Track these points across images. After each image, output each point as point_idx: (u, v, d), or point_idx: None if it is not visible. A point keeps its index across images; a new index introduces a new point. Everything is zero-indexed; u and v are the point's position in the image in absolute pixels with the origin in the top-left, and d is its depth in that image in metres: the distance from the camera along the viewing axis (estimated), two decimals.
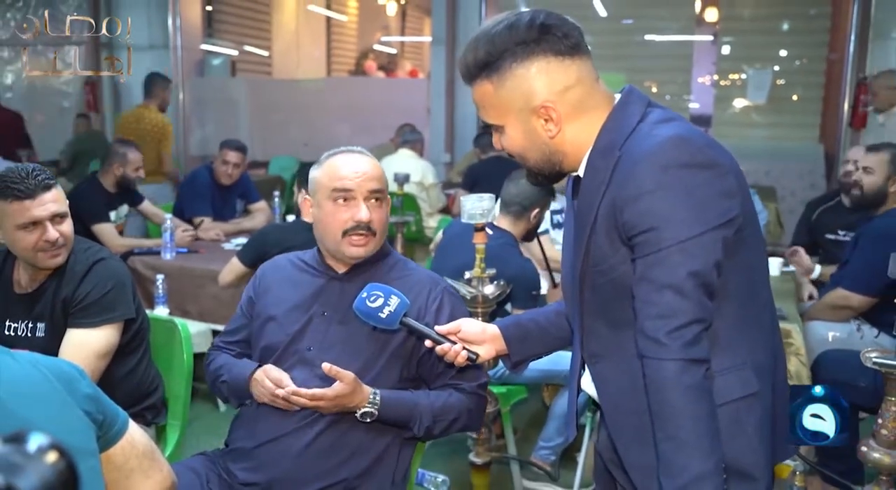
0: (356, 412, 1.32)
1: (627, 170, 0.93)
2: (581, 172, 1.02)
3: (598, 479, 1.22)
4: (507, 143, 1.04)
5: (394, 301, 1.22)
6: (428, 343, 1.22)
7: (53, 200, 1.53)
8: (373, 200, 1.39)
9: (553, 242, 2.88)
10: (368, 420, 1.33)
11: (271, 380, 1.35)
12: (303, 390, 1.31)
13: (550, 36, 0.96)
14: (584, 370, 1.11)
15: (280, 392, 1.32)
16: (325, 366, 1.29)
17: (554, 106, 0.98)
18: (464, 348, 1.20)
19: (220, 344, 1.54)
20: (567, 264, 1.09)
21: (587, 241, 0.98)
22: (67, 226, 1.56)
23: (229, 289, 2.67)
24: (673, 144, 0.91)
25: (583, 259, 0.99)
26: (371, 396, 1.32)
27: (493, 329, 1.22)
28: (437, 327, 1.22)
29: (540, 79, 0.97)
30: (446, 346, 1.20)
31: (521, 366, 1.25)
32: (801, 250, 2.92)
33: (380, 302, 1.22)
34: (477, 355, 1.20)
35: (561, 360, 2.13)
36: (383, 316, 1.22)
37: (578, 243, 1.01)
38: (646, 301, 0.92)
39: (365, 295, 1.24)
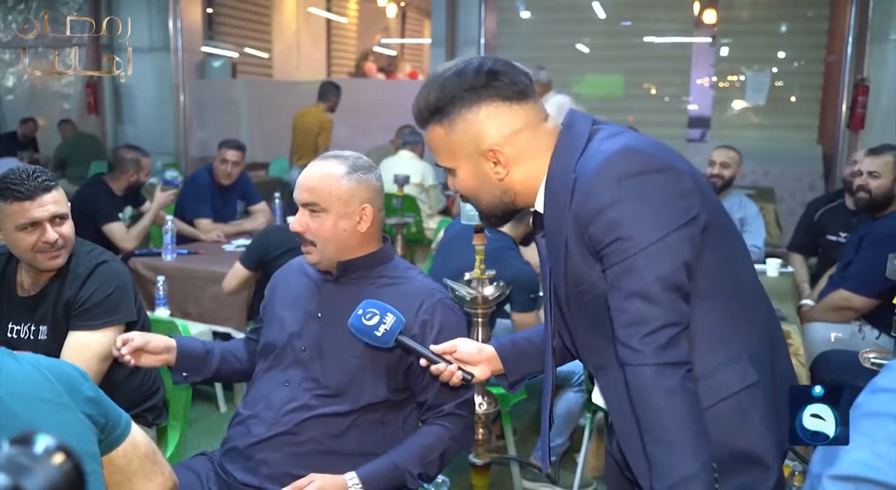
0: None
1: (583, 188, 0.95)
2: (539, 207, 1.05)
3: (612, 482, 1.21)
4: (460, 184, 1.06)
5: (389, 319, 1.21)
6: (423, 362, 1.22)
7: (53, 202, 1.53)
8: (308, 211, 1.37)
9: None
10: None
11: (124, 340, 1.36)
12: None
13: (498, 81, 1.00)
14: (593, 384, 1.13)
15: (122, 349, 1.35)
16: None
17: (502, 149, 1.01)
18: (459, 368, 1.20)
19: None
20: (546, 290, 1.11)
21: (563, 265, 1.00)
22: (67, 227, 1.56)
23: (233, 293, 2.68)
24: (621, 156, 0.94)
25: (564, 282, 1.01)
26: (350, 482, 1.29)
27: (489, 349, 1.23)
28: (432, 347, 1.22)
29: (488, 123, 1.00)
30: (441, 365, 1.20)
31: (517, 385, 1.26)
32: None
33: (375, 319, 1.21)
34: (472, 375, 1.20)
35: None
36: (379, 334, 1.21)
37: (556, 268, 1.03)
38: (617, 309, 0.93)
39: (360, 312, 1.22)
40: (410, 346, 1.22)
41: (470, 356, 1.21)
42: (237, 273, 2.58)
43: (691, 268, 0.93)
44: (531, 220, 1.12)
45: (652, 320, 0.91)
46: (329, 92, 5.13)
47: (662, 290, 0.91)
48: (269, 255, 2.50)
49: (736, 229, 1.04)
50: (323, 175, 1.37)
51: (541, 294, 2.36)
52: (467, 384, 1.22)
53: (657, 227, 0.91)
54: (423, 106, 1.03)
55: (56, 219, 1.53)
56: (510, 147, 1.01)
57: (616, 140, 0.97)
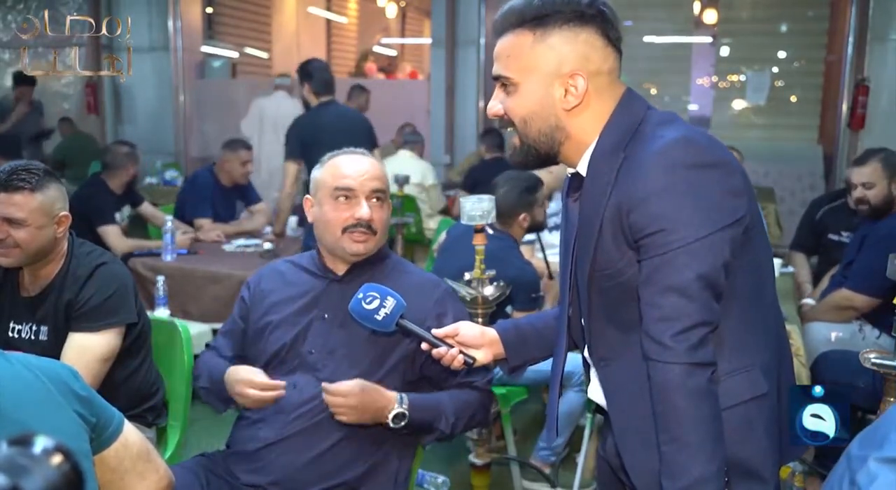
0: (388, 415, 1.31)
1: (633, 172, 0.93)
2: (581, 170, 1.01)
3: (604, 487, 1.20)
4: (514, 103, 1.00)
5: (389, 302, 1.21)
6: (424, 346, 1.21)
7: (13, 204, 1.49)
8: (374, 200, 1.40)
9: (547, 246, 2.88)
10: (402, 422, 1.32)
11: (244, 383, 1.35)
12: (325, 385, 1.31)
13: (606, 19, 0.98)
14: (589, 378, 1.11)
15: (269, 394, 1.33)
16: (326, 386, 1.30)
17: (582, 78, 0.97)
18: (461, 352, 1.19)
19: (211, 344, 1.55)
20: (564, 266, 1.09)
21: (594, 245, 0.97)
22: (23, 234, 1.50)
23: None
24: (679, 145, 0.91)
25: (590, 263, 0.99)
26: (398, 397, 1.32)
27: (491, 333, 1.22)
28: (434, 330, 1.21)
29: (582, 49, 0.97)
30: (443, 349, 1.18)
31: (518, 370, 1.25)
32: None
33: (375, 303, 1.21)
34: (474, 359, 1.20)
35: None
36: (379, 318, 1.20)
37: (584, 247, 1.00)
38: (651, 303, 0.91)
39: (361, 296, 1.22)
40: (412, 329, 1.21)
41: (472, 339, 1.20)
42: (290, 171, 2.96)
43: (729, 268, 0.91)
44: (566, 184, 1.08)
45: (686, 317, 0.89)
46: (355, 94, 5.12)
47: (701, 289, 0.89)
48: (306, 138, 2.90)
49: (766, 234, 1.02)
50: (379, 166, 1.43)
51: (542, 293, 2.37)
52: (469, 367, 1.21)
53: (705, 223, 0.89)
54: (520, 8, 0.98)
55: (8, 221, 1.49)
56: (590, 83, 0.97)
57: (672, 128, 0.94)
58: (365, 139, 3.21)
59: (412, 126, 5.10)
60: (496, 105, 1.03)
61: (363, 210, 1.37)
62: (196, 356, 1.83)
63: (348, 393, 1.28)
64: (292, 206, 3.15)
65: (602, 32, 0.97)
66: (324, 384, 1.31)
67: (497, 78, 1.02)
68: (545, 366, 1.97)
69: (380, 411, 1.30)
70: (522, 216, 2.34)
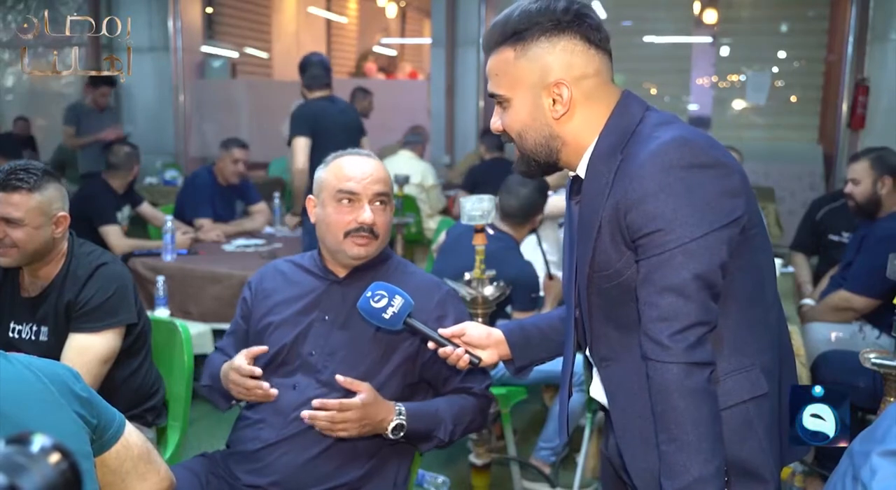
0: (387, 428, 1.30)
1: (631, 172, 0.93)
2: (581, 172, 1.02)
3: (607, 484, 1.20)
4: (510, 118, 1.02)
5: (398, 301, 1.22)
6: (431, 345, 1.22)
7: (10, 204, 1.49)
8: (377, 203, 1.40)
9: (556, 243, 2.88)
10: (401, 434, 1.31)
11: (242, 373, 1.36)
12: (329, 401, 1.28)
13: (584, 22, 0.98)
14: (592, 378, 1.11)
15: (251, 383, 1.34)
16: (340, 378, 1.29)
17: (567, 86, 0.98)
18: (466, 352, 1.20)
19: (217, 346, 1.55)
20: (568, 268, 1.09)
21: (593, 246, 0.98)
22: (20, 233, 1.51)
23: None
24: (676, 145, 0.91)
25: (589, 264, 0.99)
26: (397, 408, 1.31)
27: (497, 334, 1.22)
28: (441, 330, 1.22)
29: (562, 57, 0.97)
30: (449, 349, 1.19)
31: (524, 371, 1.25)
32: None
33: (384, 302, 1.22)
34: (479, 359, 1.20)
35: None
36: (387, 316, 1.21)
37: (584, 248, 1.00)
38: (648, 303, 0.91)
39: (369, 294, 1.23)
40: (419, 328, 1.22)
41: (478, 340, 1.21)
42: (302, 147, 2.95)
43: (726, 268, 0.92)
44: (568, 186, 1.09)
45: (683, 317, 0.89)
46: (359, 96, 5.11)
47: (698, 288, 0.89)
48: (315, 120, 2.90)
49: (767, 235, 1.02)
50: (382, 168, 1.42)
51: (541, 294, 2.37)
52: (474, 367, 1.22)
53: (701, 223, 0.89)
54: (500, 26, 1.00)
55: (5, 221, 1.50)
56: (575, 89, 0.98)
57: (670, 128, 0.95)
58: (358, 135, 3.41)
59: (420, 127, 5.10)
60: (496, 121, 1.05)
61: (366, 214, 1.37)
62: (196, 356, 1.83)
63: (351, 406, 1.27)
64: (307, 184, 3.16)
65: (582, 36, 0.98)
66: (325, 401, 1.28)
67: (492, 96, 1.04)
68: (545, 366, 1.97)
69: (379, 424, 1.30)
70: (539, 216, 2.38)
